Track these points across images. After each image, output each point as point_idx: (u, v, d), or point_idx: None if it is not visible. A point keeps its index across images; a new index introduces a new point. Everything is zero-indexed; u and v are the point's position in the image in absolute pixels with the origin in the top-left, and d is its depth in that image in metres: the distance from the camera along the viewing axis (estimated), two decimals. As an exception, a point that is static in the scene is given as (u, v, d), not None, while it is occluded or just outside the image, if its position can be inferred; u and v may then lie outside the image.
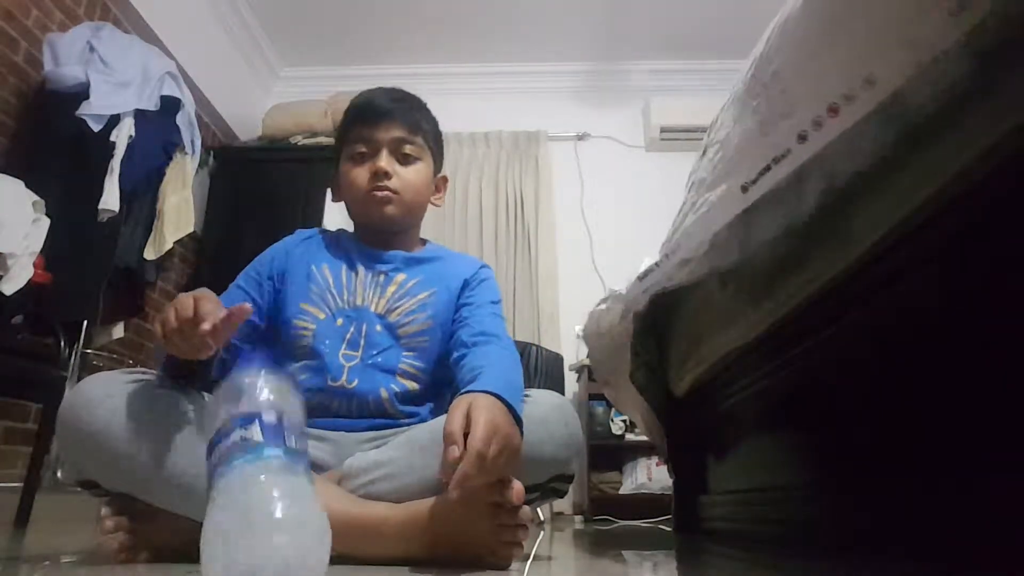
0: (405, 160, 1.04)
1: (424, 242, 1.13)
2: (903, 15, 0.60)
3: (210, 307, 0.69)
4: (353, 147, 1.04)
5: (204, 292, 0.72)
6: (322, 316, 0.97)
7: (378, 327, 0.97)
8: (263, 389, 0.56)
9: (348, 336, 0.95)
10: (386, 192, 1.01)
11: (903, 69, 0.60)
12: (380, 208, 1.02)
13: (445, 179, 1.16)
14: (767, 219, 0.85)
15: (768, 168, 0.82)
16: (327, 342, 0.95)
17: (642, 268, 1.34)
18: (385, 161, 1.01)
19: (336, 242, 1.07)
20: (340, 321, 0.97)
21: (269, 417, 0.54)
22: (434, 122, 1.11)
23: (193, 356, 0.72)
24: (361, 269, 1.02)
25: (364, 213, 1.05)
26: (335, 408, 0.92)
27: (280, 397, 0.56)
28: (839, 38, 0.69)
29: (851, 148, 0.68)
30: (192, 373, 0.79)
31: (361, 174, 1.02)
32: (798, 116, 0.75)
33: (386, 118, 1.03)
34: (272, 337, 0.99)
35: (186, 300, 0.69)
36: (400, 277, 1.02)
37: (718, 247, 0.97)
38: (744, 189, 0.89)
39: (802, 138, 0.75)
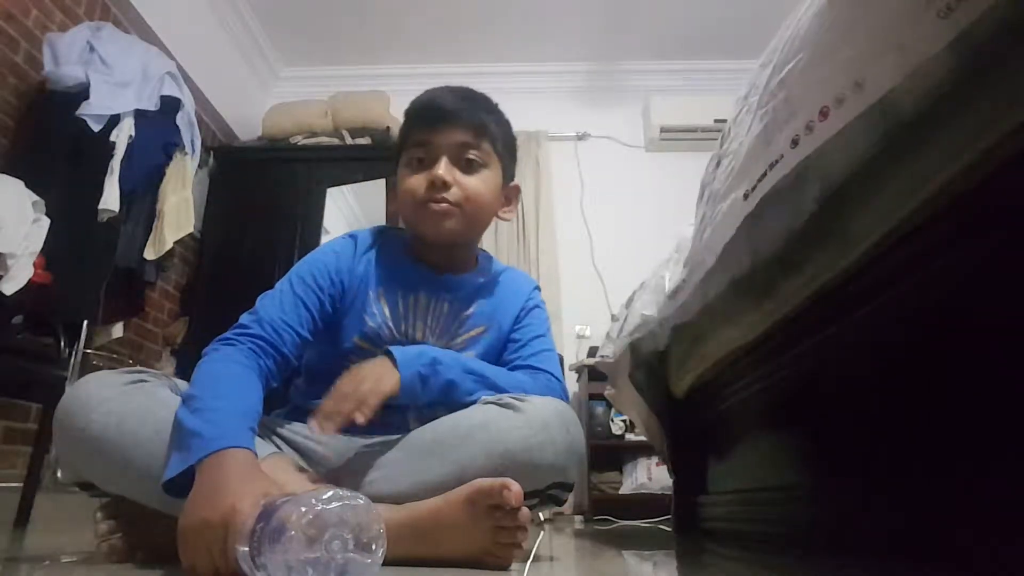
0: (468, 167, 0.94)
1: (477, 257, 1.05)
2: (894, 18, 0.60)
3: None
4: (411, 152, 0.95)
5: (239, 507, 0.59)
6: (377, 353, 0.90)
7: None
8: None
9: None
10: (444, 204, 0.92)
11: (893, 72, 0.59)
12: (438, 222, 0.93)
13: (517, 189, 1.05)
14: (772, 223, 0.85)
15: (764, 174, 0.82)
16: None
17: (668, 285, 1.37)
18: (444, 169, 0.92)
19: (392, 259, 0.99)
20: None
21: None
22: (506, 125, 1.00)
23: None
24: (422, 295, 0.97)
25: (419, 227, 0.96)
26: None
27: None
28: (840, 44, 0.69)
29: (847, 150, 0.67)
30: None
31: (417, 182, 0.93)
32: (795, 122, 0.75)
33: (448, 120, 0.93)
34: (320, 347, 0.95)
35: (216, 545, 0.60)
36: (458, 305, 0.99)
37: (729, 257, 0.97)
38: (745, 196, 0.89)
39: (795, 143, 0.75)
